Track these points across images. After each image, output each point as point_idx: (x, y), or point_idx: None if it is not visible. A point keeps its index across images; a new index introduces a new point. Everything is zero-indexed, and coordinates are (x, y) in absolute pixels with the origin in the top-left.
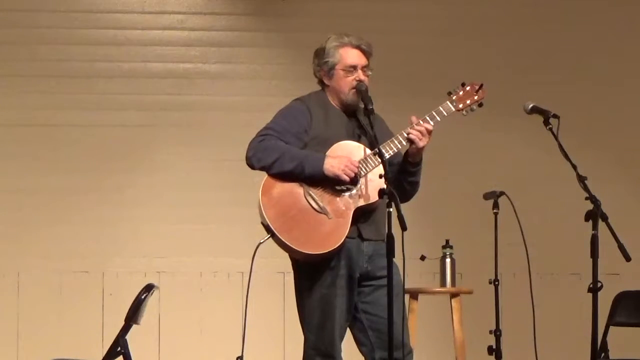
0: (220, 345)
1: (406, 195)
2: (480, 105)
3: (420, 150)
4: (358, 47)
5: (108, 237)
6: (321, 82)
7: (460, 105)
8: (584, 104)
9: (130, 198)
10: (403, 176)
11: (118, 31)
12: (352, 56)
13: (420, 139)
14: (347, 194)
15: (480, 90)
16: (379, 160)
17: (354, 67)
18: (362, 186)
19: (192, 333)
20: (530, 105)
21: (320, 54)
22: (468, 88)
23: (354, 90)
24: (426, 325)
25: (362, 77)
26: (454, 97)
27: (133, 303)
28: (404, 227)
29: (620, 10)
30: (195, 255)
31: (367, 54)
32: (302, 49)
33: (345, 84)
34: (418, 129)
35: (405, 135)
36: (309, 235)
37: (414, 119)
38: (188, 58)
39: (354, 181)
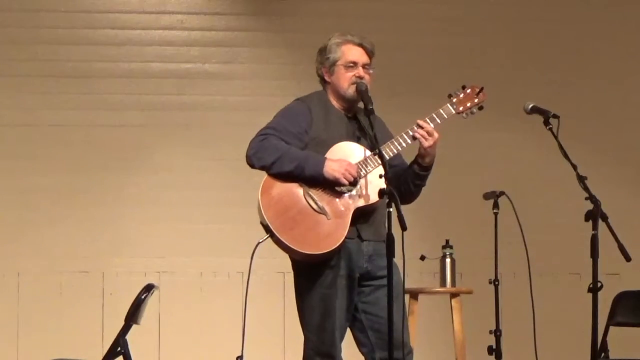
0: (220, 345)
1: (411, 198)
2: (481, 108)
3: (427, 151)
4: (360, 45)
5: (108, 237)
6: (322, 81)
7: (461, 108)
8: (584, 104)
9: (130, 198)
10: (411, 179)
11: (118, 31)
12: (353, 53)
13: (426, 139)
14: (346, 194)
15: (480, 93)
16: (379, 161)
17: (355, 64)
18: (362, 187)
19: (192, 333)
20: (530, 105)
21: (322, 51)
22: (468, 91)
23: (354, 86)
24: (426, 325)
25: (362, 74)
26: (454, 100)
27: (133, 303)
28: (404, 227)
29: (620, 10)
30: (195, 255)
31: (369, 52)
32: (302, 49)
33: (345, 79)
34: (423, 126)
35: (411, 134)
36: (308, 235)
37: (419, 122)
38: (188, 58)
39: (354, 182)
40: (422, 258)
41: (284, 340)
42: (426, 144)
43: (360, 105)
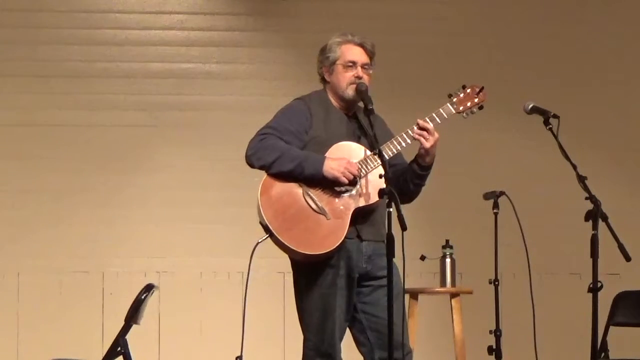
0: (220, 345)
1: (410, 197)
2: (481, 107)
3: (428, 151)
4: (360, 45)
5: (108, 237)
6: (323, 80)
7: (461, 108)
8: (584, 104)
9: (130, 198)
10: (411, 178)
11: (118, 31)
12: (353, 52)
13: (427, 139)
14: (346, 194)
15: (480, 93)
16: (379, 161)
17: (354, 63)
18: (362, 187)
19: (192, 333)
20: (530, 105)
21: (323, 50)
22: (469, 90)
23: (352, 86)
24: (426, 325)
25: (361, 74)
26: (454, 100)
27: (133, 303)
28: (404, 227)
29: (620, 10)
30: (195, 255)
31: (369, 52)
32: (303, 49)
33: (344, 79)
34: (424, 126)
35: (411, 134)
36: (307, 235)
37: (420, 122)
38: (188, 58)
39: (353, 182)
40: (422, 258)
41: (283, 340)
42: (426, 144)
43: (361, 104)
